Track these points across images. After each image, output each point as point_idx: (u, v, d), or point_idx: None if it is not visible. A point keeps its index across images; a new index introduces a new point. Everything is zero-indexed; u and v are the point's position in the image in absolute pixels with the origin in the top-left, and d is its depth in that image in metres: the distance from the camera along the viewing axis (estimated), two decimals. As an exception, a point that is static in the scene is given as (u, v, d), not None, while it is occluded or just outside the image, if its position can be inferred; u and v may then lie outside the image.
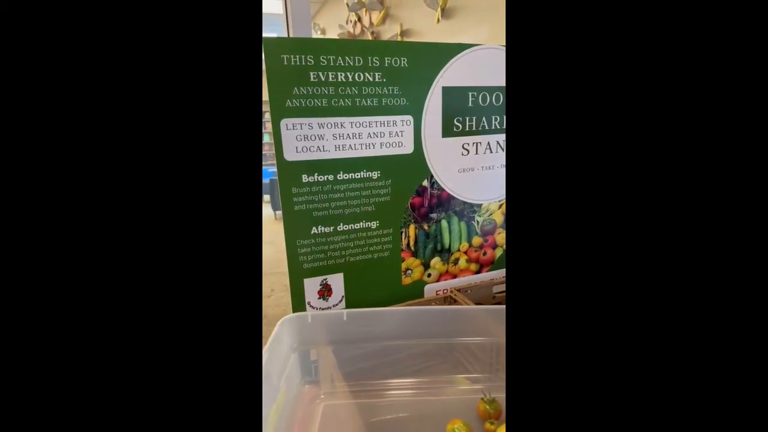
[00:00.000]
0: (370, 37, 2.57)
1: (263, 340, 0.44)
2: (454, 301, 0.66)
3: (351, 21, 2.78)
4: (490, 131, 0.69)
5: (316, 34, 3.75)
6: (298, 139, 0.57)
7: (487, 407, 0.50)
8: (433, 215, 0.68)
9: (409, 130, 0.63)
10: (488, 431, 0.49)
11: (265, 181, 5.07)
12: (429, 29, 1.98)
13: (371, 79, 0.59)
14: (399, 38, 2.25)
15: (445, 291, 0.71)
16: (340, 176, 0.60)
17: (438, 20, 1.83)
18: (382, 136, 0.62)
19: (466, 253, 0.73)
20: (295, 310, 0.61)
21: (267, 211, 4.77)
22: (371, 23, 2.55)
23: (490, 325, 0.52)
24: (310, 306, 0.63)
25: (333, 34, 3.19)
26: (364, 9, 2.56)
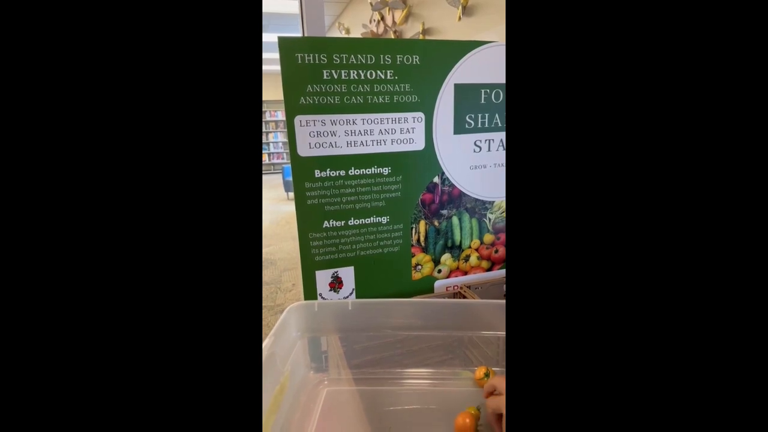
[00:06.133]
0: (392, 36, 2.58)
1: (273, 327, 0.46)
2: (464, 298, 0.66)
3: (374, 20, 2.80)
4: (503, 128, 0.69)
5: (341, 34, 3.78)
6: (311, 135, 0.59)
7: (485, 378, 0.52)
8: (444, 212, 0.69)
9: (421, 127, 0.64)
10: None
11: (289, 178, 5.16)
12: (450, 27, 1.97)
13: (383, 77, 0.60)
14: (421, 36, 2.24)
15: (455, 287, 0.72)
16: (352, 172, 0.62)
17: (459, 18, 1.82)
18: (393, 132, 0.63)
19: (477, 250, 0.73)
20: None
21: (292, 207, 4.86)
22: (394, 22, 2.56)
23: (495, 319, 0.53)
24: (322, 297, 0.65)
25: (357, 33, 3.21)
26: (387, 8, 2.57)
